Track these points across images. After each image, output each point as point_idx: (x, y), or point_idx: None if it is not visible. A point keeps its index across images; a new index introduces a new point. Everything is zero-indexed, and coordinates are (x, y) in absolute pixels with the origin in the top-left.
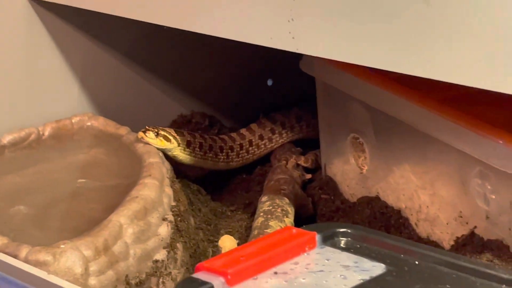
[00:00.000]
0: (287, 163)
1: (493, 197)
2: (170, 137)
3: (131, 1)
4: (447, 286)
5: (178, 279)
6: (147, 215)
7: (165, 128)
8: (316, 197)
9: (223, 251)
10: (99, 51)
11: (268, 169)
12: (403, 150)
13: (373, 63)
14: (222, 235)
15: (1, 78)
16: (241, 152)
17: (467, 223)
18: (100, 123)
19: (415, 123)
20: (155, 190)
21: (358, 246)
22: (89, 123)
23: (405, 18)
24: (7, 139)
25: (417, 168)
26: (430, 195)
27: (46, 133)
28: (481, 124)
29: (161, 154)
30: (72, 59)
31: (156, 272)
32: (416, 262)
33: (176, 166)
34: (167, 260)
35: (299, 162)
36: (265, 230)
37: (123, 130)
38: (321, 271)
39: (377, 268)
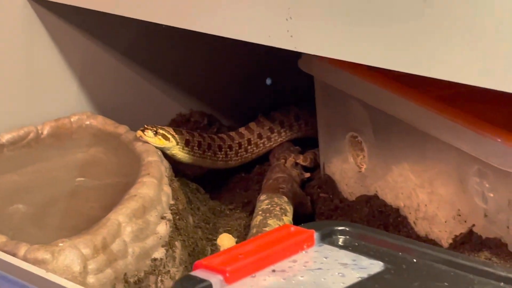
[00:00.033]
0: (285, 162)
1: (491, 195)
2: (169, 136)
3: (130, 0)
4: (445, 284)
5: (177, 278)
6: (146, 214)
7: (163, 127)
8: (315, 195)
9: (221, 249)
10: (98, 50)
11: (267, 168)
12: (401, 149)
13: (371, 61)
14: (221, 233)
15: (0, 77)
16: (240, 151)
17: (465, 221)
18: (99, 122)
19: (413, 122)
20: (154, 188)
21: (356, 244)
22: (88, 122)
23: (403, 16)
24: (6, 138)
25: (416, 167)
26: (428, 193)
27: (45, 132)
28: (479, 122)
29: (159, 152)
30: (71, 58)
31: (154, 270)
32: (414, 260)
33: (175, 165)
34: (166, 258)
35: (298, 161)
36: (264, 229)
37: (122, 129)
38: (319, 269)
39: (375, 266)
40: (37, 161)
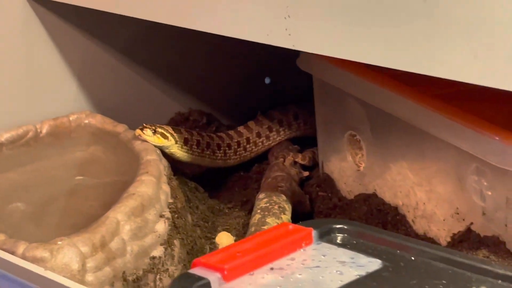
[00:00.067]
0: (284, 161)
1: (490, 193)
2: (168, 135)
3: None
4: (443, 281)
5: (175, 276)
6: (144, 212)
7: (162, 126)
8: (314, 194)
9: (220, 248)
10: (96, 49)
11: (265, 166)
12: (400, 147)
13: (370, 60)
14: (220, 232)
15: None
16: (238, 149)
17: (463, 219)
18: (97, 120)
19: (412, 120)
20: (152, 187)
21: (355, 242)
22: (86, 121)
23: (402, 14)
24: (4, 136)
25: (414, 165)
26: (426, 191)
27: (44, 131)
28: (477, 120)
29: (158, 151)
30: (70, 57)
31: (153, 268)
32: (412, 258)
33: (174, 163)
34: (164, 256)
35: (296, 160)
36: (262, 227)
37: (121, 128)
38: (318, 266)
39: (373, 264)
40: (36, 159)
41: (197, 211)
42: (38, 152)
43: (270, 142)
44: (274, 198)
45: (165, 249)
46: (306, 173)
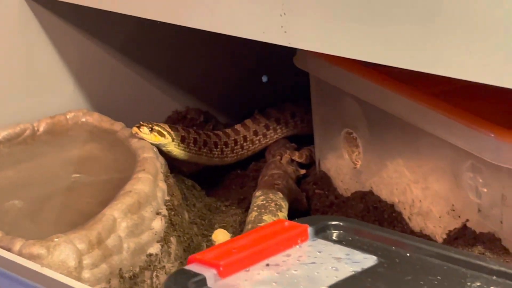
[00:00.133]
0: (281, 159)
1: (485, 190)
2: (165, 133)
3: None
4: (438, 277)
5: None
6: (141, 209)
7: (159, 124)
8: (311, 192)
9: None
10: (93, 47)
11: (262, 165)
12: (396, 145)
13: (366, 57)
14: (216, 229)
15: None
16: (235, 147)
17: (459, 216)
18: (94, 118)
19: (408, 118)
20: (149, 184)
21: (350, 238)
22: (83, 119)
23: (398, 11)
24: (2, 134)
25: (410, 163)
26: (422, 189)
27: (41, 129)
28: (473, 117)
29: (155, 149)
30: (67, 55)
31: (149, 265)
32: (408, 254)
33: (171, 161)
34: (161, 254)
35: (293, 158)
36: (259, 224)
37: (118, 126)
38: (313, 263)
39: (368, 260)
40: (33, 157)
41: (194, 209)
42: (35, 150)
43: (267, 140)
44: (271, 195)
45: (162, 246)
46: (303, 171)
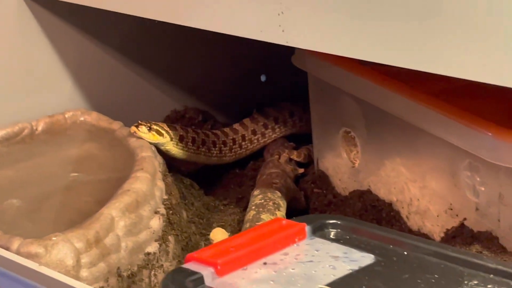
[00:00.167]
0: (279, 158)
1: (483, 189)
2: (163, 132)
3: None
4: (435, 276)
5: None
6: (139, 208)
7: (157, 123)
8: (309, 191)
9: None
10: (92, 47)
11: (261, 164)
12: (394, 144)
13: (364, 56)
14: (214, 228)
15: None
16: (234, 147)
17: (457, 215)
18: (93, 118)
19: (406, 117)
20: (147, 183)
21: (348, 237)
22: (82, 118)
23: (397, 10)
24: (0, 134)
25: (408, 161)
26: (420, 188)
27: (40, 128)
28: (470, 116)
29: (153, 148)
30: (65, 54)
31: (147, 264)
32: (405, 253)
33: (169, 160)
34: (159, 252)
35: (291, 157)
36: (257, 223)
37: (116, 125)
38: (311, 261)
39: (366, 259)
40: (32, 156)
41: (192, 208)
42: (34, 149)
43: (265, 139)
44: (269, 194)
45: (160, 245)
46: (301, 170)
